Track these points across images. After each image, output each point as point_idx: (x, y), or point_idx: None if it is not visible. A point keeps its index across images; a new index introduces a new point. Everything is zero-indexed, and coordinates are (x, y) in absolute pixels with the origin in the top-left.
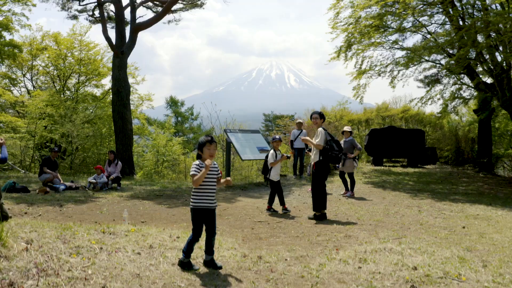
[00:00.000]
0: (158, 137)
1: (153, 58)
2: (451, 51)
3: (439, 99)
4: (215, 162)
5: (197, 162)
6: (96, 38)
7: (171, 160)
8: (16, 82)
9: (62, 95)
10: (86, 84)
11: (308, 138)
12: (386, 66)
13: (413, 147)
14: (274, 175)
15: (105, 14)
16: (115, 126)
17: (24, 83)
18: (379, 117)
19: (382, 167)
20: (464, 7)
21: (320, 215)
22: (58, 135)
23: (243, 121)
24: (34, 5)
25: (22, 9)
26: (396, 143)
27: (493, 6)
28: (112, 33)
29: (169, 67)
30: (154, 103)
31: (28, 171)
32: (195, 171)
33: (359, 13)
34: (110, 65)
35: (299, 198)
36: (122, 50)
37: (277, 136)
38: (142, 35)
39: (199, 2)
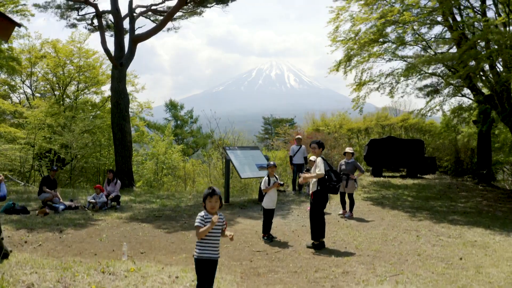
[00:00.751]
0: (158, 145)
1: (153, 58)
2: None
3: (438, 110)
4: (221, 214)
5: (202, 213)
6: (96, 44)
7: (171, 168)
8: (15, 88)
9: (61, 103)
10: (86, 91)
11: (307, 175)
12: (386, 77)
13: (412, 157)
14: (267, 202)
15: (104, 22)
16: (114, 138)
17: (23, 90)
18: (379, 125)
19: (382, 178)
20: (465, 25)
21: (318, 244)
22: (57, 146)
23: (243, 121)
24: (33, 15)
25: (21, 19)
26: (395, 153)
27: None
28: (110, 42)
29: (169, 67)
30: (154, 103)
31: (28, 183)
32: (200, 223)
33: (358, 26)
34: (110, 72)
35: (298, 219)
36: (121, 61)
37: (272, 162)
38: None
39: (198, 10)
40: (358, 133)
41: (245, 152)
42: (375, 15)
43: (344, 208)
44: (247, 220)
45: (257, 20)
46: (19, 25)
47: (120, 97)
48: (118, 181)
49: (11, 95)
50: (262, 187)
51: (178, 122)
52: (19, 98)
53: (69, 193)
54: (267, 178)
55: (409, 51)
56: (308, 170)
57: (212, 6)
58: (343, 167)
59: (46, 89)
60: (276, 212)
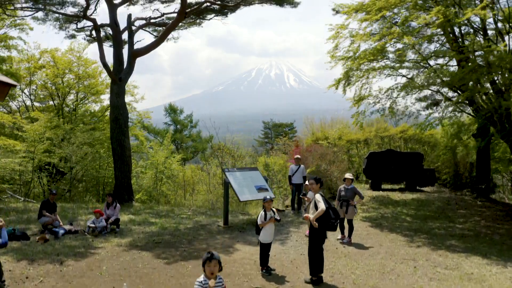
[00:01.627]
0: (157, 154)
1: (153, 58)
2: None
3: (437, 124)
4: (220, 276)
5: (201, 278)
6: (95, 53)
7: (170, 177)
8: (14, 96)
9: (61, 112)
10: (85, 101)
11: (309, 215)
12: (386, 91)
13: (411, 170)
14: (263, 236)
15: (103, 33)
16: (114, 153)
17: (22, 98)
18: (378, 137)
19: (381, 192)
20: (466, 48)
21: (316, 280)
22: (56, 159)
23: (243, 121)
24: (31, 29)
25: (19, 32)
26: (394, 166)
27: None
28: (110, 52)
29: (169, 67)
30: (154, 103)
31: (27, 197)
32: None
33: (358, 42)
34: (109, 81)
35: (297, 245)
36: (120, 76)
37: (268, 197)
38: (141, 35)
39: (197, 21)
40: (357, 144)
41: (244, 174)
42: (375, 35)
43: (342, 233)
44: (246, 246)
45: (257, 20)
46: (15, 86)
47: (119, 113)
48: (118, 205)
49: (10, 103)
50: (259, 222)
51: (178, 126)
52: (18, 106)
53: (68, 210)
54: (263, 213)
55: (409, 63)
56: (304, 195)
57: (212, 18)
58: (343, 193)
59: (45, 96)
60: (274, 236)
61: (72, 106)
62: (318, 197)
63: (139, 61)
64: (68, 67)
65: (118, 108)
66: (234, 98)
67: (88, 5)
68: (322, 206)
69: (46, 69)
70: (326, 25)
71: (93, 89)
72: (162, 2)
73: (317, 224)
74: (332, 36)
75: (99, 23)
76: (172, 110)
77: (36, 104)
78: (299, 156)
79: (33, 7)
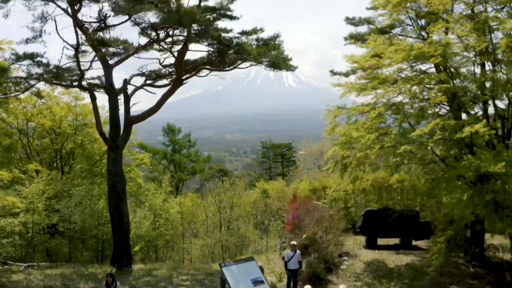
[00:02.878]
0: (155, 197)
1: None
2: None
3: (434, 189)
4: None
5: None
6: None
7: (169, 220)
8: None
9: (58, 157)
10: (82, 144)
11: None
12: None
13: (407, 227)
14: None
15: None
16: (112, 220)
17: (20, 137)
18: (376, 188)
19: (376, 255)
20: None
21: None
22: (56, 219)
23: (243, 121)
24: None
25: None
26: (390, 224)
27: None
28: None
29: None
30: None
31: (29, 263)
32: None
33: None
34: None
35: None
36: (116, 144)
37: None
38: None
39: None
40: (354, 195)
41: (239, 267)
42: (371, 131)
43: None
44: None
45: (255, 20)
46: None
47: (116, 180)
48: (117, 283)
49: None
50: None
51: (176, 146)
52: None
53: (69, 282)
54: None
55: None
56: None
57: (208, 74)
58: None
59: (43, 133)
60: None
61: (70, 151)
62: None
63: (137, 61)
64: (66, 115)
65: (116, 175)
66: (234, 98)
67: (82, 75)
68: None
69: (44, 115)
70: (324, 105)
71: (92, 136)
72: (159, 51)
73: None
74: (332, 117)
75: (94, 77)
76: (170, 130)
77: (35, 141)
78: (295, 243)
79: (27, 80)
